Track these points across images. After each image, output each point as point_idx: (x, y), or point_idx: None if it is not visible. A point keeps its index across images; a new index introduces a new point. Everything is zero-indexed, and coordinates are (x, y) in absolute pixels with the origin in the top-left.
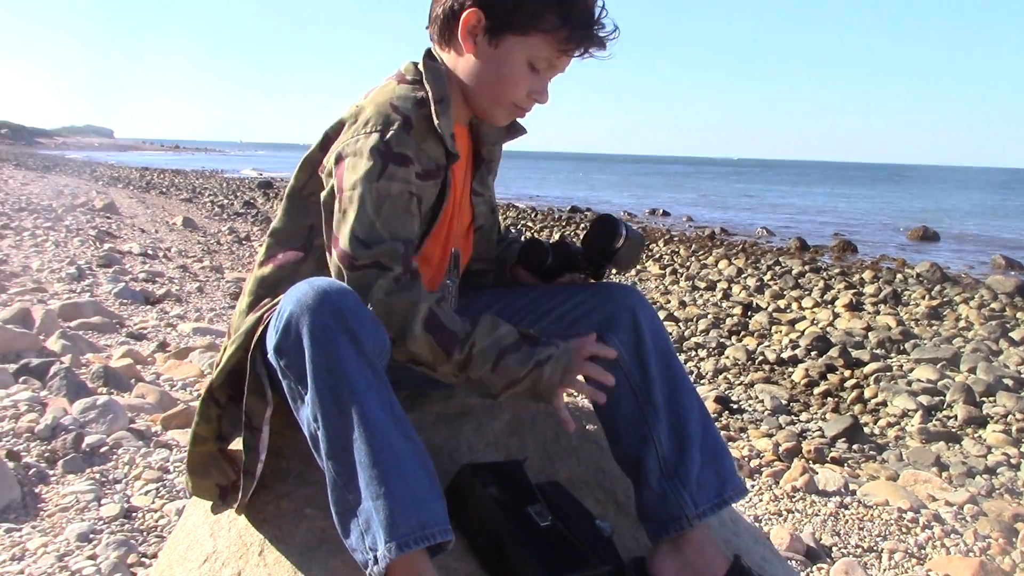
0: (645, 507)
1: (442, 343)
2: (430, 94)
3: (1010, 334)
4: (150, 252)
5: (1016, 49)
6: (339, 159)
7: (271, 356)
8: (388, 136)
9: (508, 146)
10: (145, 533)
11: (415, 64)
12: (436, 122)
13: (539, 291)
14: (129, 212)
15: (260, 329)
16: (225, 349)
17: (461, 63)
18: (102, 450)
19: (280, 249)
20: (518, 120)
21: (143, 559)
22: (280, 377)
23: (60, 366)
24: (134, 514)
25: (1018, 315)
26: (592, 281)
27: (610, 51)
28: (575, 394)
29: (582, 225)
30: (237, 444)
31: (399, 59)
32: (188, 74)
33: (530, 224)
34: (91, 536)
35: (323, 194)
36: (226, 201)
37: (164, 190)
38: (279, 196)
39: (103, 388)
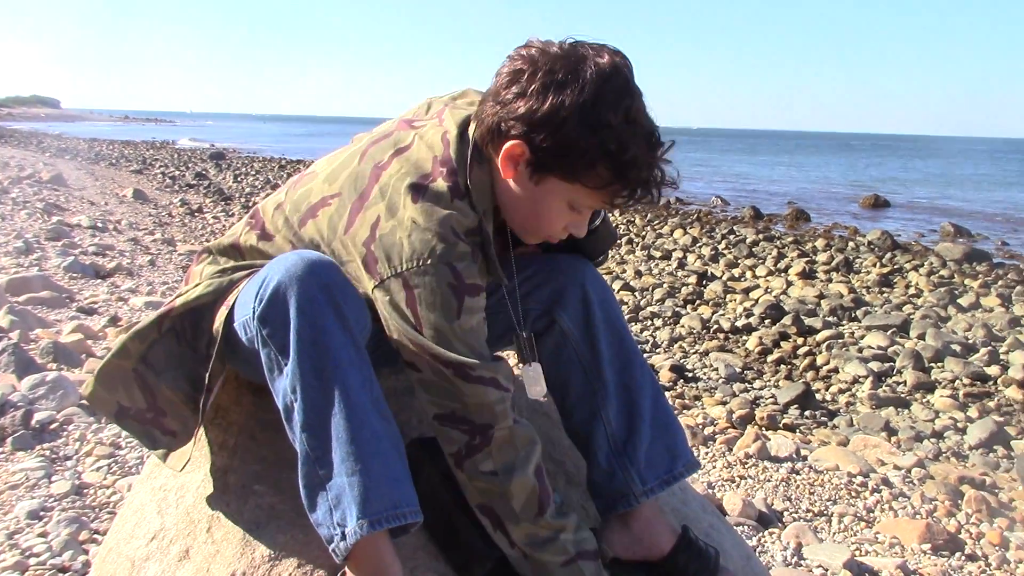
0: (594, 484)
1: (542, 496)
2: (479, 220)
3: (958, 300)
4: (100, 225)
5: (966, 20)
6: (406, 285)
7: (252, 323)
8: (458, 268)
9: None
10: (97, 510)
11: (461, 140)
12: (484, 254)
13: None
14: (77, 184)
15: (235, 292)
16: (197, 286)
17: (499, 178)
18: (52, 427)
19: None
20: None
21: (95, 535)
22: (259, 346)
23: (8, 342)
24: (85, 491)
25: (966, 282)
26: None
27: (655, 197)
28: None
29: None
30: (168, 393)
31: (348, 34)
32: (136, 43)
33: None
34: (42, 513)
35: (384, 312)
36: (177, 172)
37: (113, 161)
38: (231, 167)
39: (53, 364)
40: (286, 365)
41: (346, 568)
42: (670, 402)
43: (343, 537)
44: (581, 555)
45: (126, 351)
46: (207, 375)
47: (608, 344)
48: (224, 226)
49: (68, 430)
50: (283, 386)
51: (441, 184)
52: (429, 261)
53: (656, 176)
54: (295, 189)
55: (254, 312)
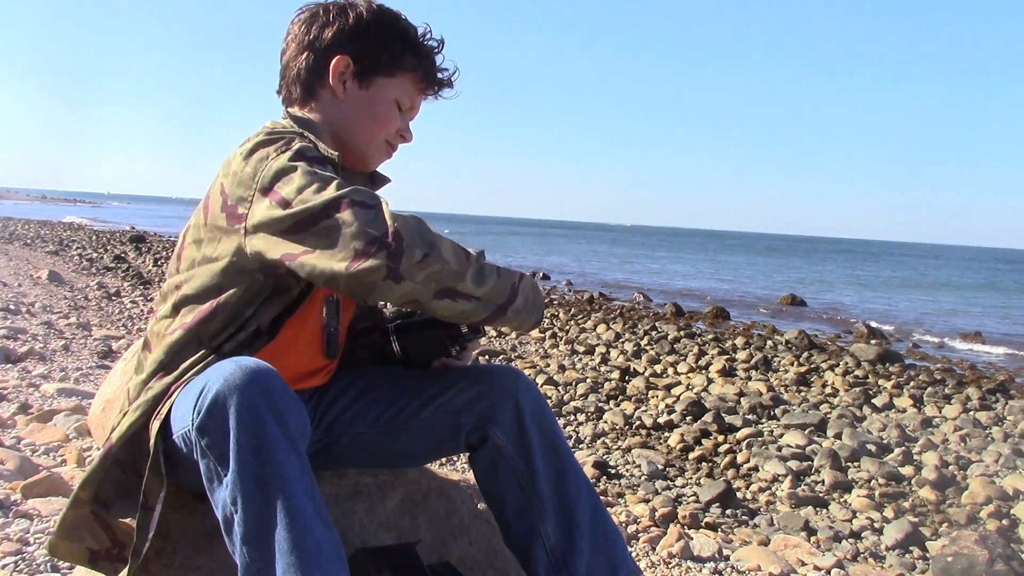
0: None
1: (458, 247)
2: (306, 135)
3: (873, 401)
4: (12, 307)
5: (899, 124)
6: (266, 192)
7: (191, 434)
8: (296, 147)
9: None
10: None
11: (275, 122)
12: (319, 145)
13: (419, 377)
14: None
15: (167, 405)
16: (125, 414)
17: (332, 111)
18: None
19: (189, 313)
20: (379, 171)
21: None
22: (198, 456)
23: None
24: None
25: (880, 382)
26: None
27: (457, 91)
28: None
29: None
30: (124, 519)
31: (268, 115)
32: (55, 122)
33: None
34: None
35: (251, 244)
36: (95, 255)
37: (29, 241)
38: (151, 251)
39: None
40: (226, 475)
41: None
42: None
43: None
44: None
45: (79, 500)
46: (142, 492)
47: (543, 457)
48: (142, 311)
49: None
50: (223, 497)
51: (280, 126)
52: (268, 160)
53: (441, 58)
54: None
55: (192, 423)
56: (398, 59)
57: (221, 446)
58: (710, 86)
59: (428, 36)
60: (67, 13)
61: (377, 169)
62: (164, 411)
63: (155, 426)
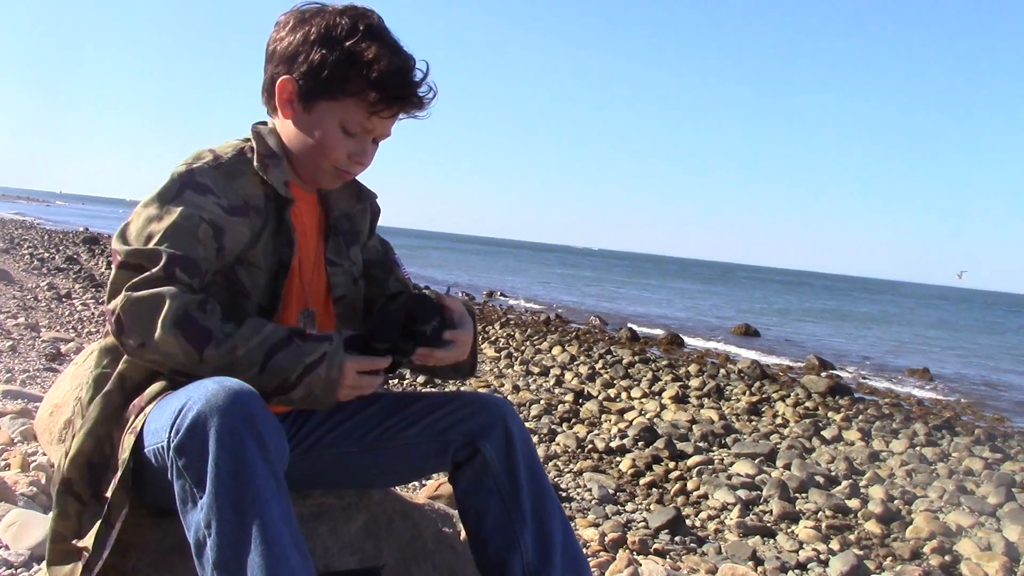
0: None
1: (192, 340)
2: (255, 148)
3: (822, 432)
4: None
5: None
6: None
7: (167, 453)
8: (193, 167)
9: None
10: None
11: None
12: (256, 165)
13: (407, 397)
14: None
15: (139, 420)
16: (75, 436)
17: (284, 129)
18: None
19: None
20: (365, 186)
21: None
22: (173, 476)
23: None
24: None
25: (829, 415)
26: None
27: (428, 111)
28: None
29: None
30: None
31: (234, 122)
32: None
33: None
34: None
35: None
36: (47, 255)
37: None
38: (104, 253)
39: None
40: (201, 498)
41: None
42: None
43: None
44: (271, 352)
45: (60, 536)
46: (106, 506)
47: (526, 477)
48: (93, 314)
49: None
50: (196, 520)
51: (231, 146)
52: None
53: (408, 82)
54: None
55: (169, 441)
56: (342, 83)
57: (199, 468)
58: (688, 115)
59: (388, 56)
60: (22, 8)
61: (363, 184)
62: (138, 426)
63: (127, 441)
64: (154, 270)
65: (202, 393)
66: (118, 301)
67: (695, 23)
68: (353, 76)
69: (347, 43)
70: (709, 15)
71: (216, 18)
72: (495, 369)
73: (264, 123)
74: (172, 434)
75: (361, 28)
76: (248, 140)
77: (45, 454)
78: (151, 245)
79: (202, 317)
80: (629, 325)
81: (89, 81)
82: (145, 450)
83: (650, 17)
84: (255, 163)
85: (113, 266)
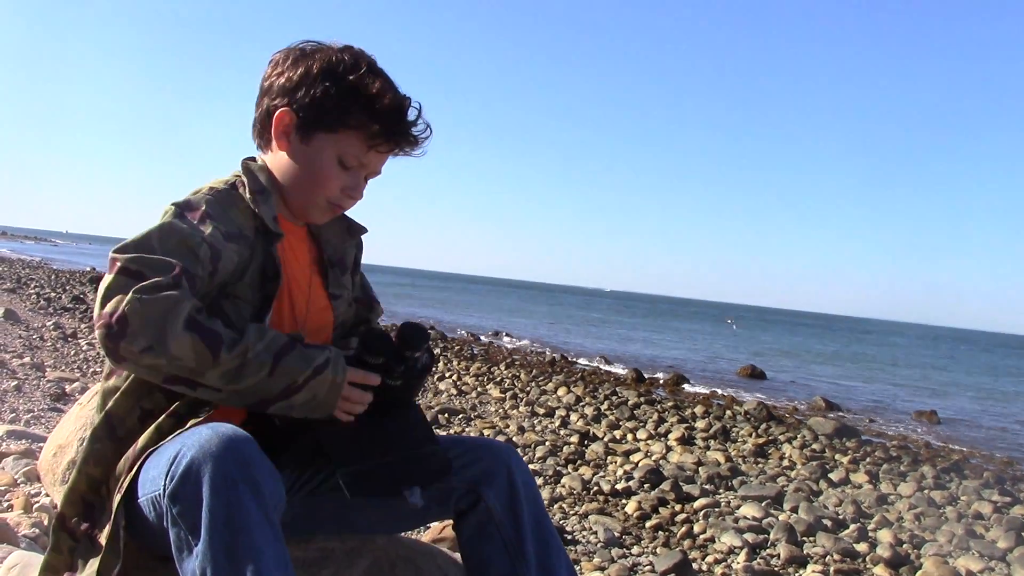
0: None
1: (207, 342)
2: (246, 184)
3: (829, 475)
4: None
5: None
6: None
7: (162, 501)
8: (192, 197)
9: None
10: None
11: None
12: (248, 198)
13: None
14: None
15: (130, 472)
16: (74, 473)
17: (277, 163)
18: None
19: None
20: (356, 221)
21: None
22: (168, 524)
23: None
24: None
25: (836, 457)
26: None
27: (423, 149)
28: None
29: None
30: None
31: (227, 161)
32: (14, 159)
33: None
34: None
35: None
36: (53, 294)
37: None
38: None
39: None
40: (196, 546)
41: None
42: None
43: None
44: (280, 355)
45: (52, 568)
46: (98, 563)
47: (531, 524)
48: (99, 354)
49: None
50: (192, 568)
51: (221, 182)
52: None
53: (409, 113)
54: None
55: (164, 489)
56: (343, 115)
57: (193, 516)
58: (705, 152)
59: (387, 93)
60: (26, 41)
61: (353, 219)
62: (127, 481)
63: (117, 498)
64: (162, 278)
65: (196, 440)
66: (123, 302)
67: (718, 65)
68: (355, 108)
69: (350, 76)
70: (733, 62)
71: (222, 56)
72: (500, 410)
73: (253, 159)
74: (167, 481)
75: (363, 65)
76: (239, 175)
77: (48, 495)
78: (150, 251)
79: (210, 322)
80: (635, 366)
81: (95, 121)
82: (140, 499)
83: (670, 57)
84: (247, 196)
85: (110, 273)
